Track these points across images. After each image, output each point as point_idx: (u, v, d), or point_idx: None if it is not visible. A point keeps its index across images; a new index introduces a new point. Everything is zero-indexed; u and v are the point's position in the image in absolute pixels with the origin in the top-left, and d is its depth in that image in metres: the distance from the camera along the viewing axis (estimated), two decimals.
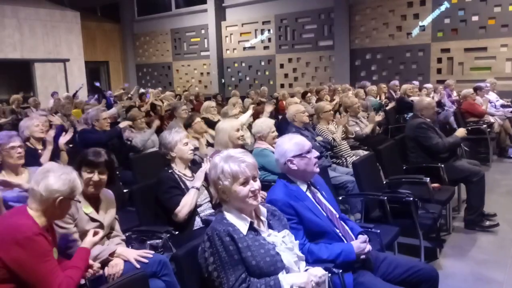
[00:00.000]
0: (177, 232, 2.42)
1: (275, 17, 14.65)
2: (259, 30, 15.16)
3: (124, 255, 2.05)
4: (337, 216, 2.14)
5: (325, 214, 2.08)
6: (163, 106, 7.40)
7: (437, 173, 3.78)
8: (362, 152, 4.48)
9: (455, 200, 4.06)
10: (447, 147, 3.82)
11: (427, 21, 11.75)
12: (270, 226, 1.79)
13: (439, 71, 11.76)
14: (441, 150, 3.81)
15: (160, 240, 2.35)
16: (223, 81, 16.21)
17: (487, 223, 3.74)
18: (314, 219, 2.02)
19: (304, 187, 2.14)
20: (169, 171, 2.73)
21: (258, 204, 1.74)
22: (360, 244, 1.99)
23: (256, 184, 1.73)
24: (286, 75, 14.71)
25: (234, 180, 1.70)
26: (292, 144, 2.17)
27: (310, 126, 4.44)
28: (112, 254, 2.05)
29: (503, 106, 7.88)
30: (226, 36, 16.11)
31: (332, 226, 2.05)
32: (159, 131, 5.14)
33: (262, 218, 1.78)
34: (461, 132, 4.02)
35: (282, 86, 14.64)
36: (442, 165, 3.77)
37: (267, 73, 15.20)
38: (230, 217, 1.71)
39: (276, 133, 3.55)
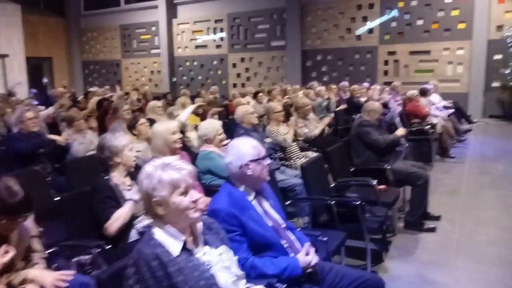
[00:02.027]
0: (109, 246, 2.21)
1: (228, 16, 14.51)
2: (212, 29, 14.96)
3: (39, 279, 1.77)
4: (284, 226, 2.04)
5: (271, 225, 1.97)
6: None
7: (384, 175, 3.81)
8: (311, 154, 4.45)
9: (401, 200, 4.11)
10: (387, 143, 3.93)
11: (374, 23, 12.07)
12: (206, 242, 1.62)
13: (386, 73, 12.14)
14: (381, 146, 3.91)
15: (89, 256, 2.14)
16: (174, 80, 15.84)
17: (426, 226, 3.82)
18: (259, 231, 1.90)
19: (251, 195, 2.02)
20: (106, 177, 2.50)
21: (198, 217, 1.56)
22: (306, 257, 1.90)
23: (197, 194, 1.56)
24: (238, 75, 14.62)
25: (174, 189, 1.50)
26: (250, 147, 2.04)
27: (260, 127, 4.35)
28: (23, 282, 1.75)
29: (445, 107, 8.22)
30: (178, 34, 15.76)
31: (278, 238, 1.95)
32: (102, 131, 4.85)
33: (198, 233, 1.61)
34: (401, 131, 4.14)
35: (234, 85, 14.53)
36: (388, 167, 3.81)
37: (219, 72, 15.02)
38: (160, 235, 1.52)
39: (223, 136, 3.42)
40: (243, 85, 14.30)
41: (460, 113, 8.61)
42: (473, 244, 3.57)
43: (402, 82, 11.22)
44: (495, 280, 3.01)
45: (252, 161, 1.98)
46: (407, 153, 6.63)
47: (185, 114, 4.47)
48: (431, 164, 6.22)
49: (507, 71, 9.84)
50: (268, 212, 2.01)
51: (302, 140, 4.79)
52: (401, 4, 11.77)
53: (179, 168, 1.53)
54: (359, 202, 2.81)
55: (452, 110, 7.82)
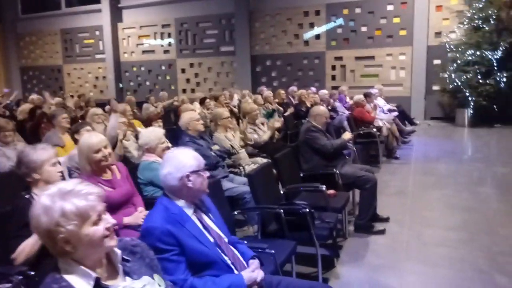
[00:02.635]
0: (33, 273, 1.95)
1: (175, 21, 14.22)
2: (159, 33, 14.59)
3: None
4: (226, 240, 1.90)
5: (212, 240, 1.82)
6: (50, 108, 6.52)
7: (333, 179, 3.78)
8: (260, 160, 4.35)
9: (350, 203, 4.10)
10: (335, 148, 3.92)
11: (321, 29, 12.30)
12: (126, 273, 1.38)
13: (333, 77, 12.38)
14: (328, 151, 3.88)
15: (10, 285, 1.88)
16: (120, 85, 15.27)
17: (375, 228, 3.83)
18: (199, 248, 1.74)
19: (190, 210, 1.86)
20: (27, 196, 2.22)
21: (116, 243, 1.33)
22: (251, 273, 1.77)
23: (110, 219, 1.33)
24: (188, 80, 14.35)
25: (84, 220, 1.26)
26: (191, 157, 1.89)
27: (206, 134, 4.19)
28: None
29: (390, 110, 8.46)
30: (123, 39, 15.24)
31: (220, 254, 1.80)
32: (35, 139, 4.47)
33: (116, 263, 1.37)
34: (347, 135, 4.16)
35: (184, 91, 14.25)
36: (337, 171, 3.79)
37: (168, 78, 14.68)
38: (69, 277, 1.25)
39: (166, 145, 3.22)
40: (192, 90, 14.06)
41: (403, 116, 8.90)
42: (422, 245, 3.61)
43: (349, 87, 11.51)
44: (444, 282, 3.03)
45: (192, 172, 1.83)
46: (356, 156, 6.76)
47: (111, 126, 4.12)
48: (379, 166, 6.35)
49: (446, 75, 10.31)
50: (209, 226, 1.86)
51: (252, 146, 4.68)
52: (346, 12, 12.08)
53: (84, 194, 1.28)
54: (308, 209, 2.73)
55: (396, 113, 8.05)
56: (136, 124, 5.10)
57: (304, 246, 2.91)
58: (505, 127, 9.60)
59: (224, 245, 1.85)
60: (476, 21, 9.93)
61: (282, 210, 2.73)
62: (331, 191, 3.60)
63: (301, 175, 3.87)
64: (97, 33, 15.49)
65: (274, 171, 3.52)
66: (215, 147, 3.88)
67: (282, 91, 8.70)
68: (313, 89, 9.75)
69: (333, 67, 12.38)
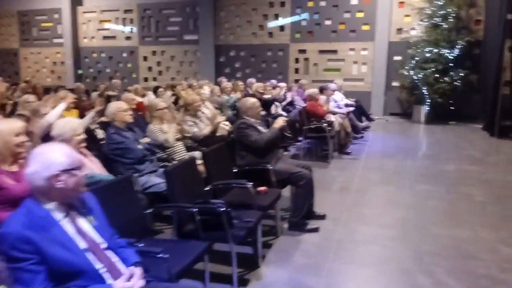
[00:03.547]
0: None
1: (138, 6, 13.79)
2: (121, 19, 14.12)
3: None
4: (105, 246, 1.74)
5: (85, 247, 1.66)
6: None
7: (266, 176, 3.67)
8: (198, 154, 4.18)
9: (287, 201, 4.01)
10: (266, 141, 3.77)
11: (286, 21, 12.18)
12: None
13: (297, 70, 12.31)
14: (261, 146, 3.76)
15: None
16: (80, 72, 14.71)
17: (309, 226, 3.76)
18: (64, 256, 1.57)
19: (61, 213, 1.68)
20: None
21: None
22: (124, 283, 1.62)
23: None
24: (150, 68, 13.97)
25: None
26: (61, 154, 1.69)
27: (136, 126, 3.99)
28: None
29: (347, 105, 8.45)
30: (83, 23, 14.67)
31: (91, 262, 1.64)
32: None
33: None
34: (278, 122, 3.94)
35: (146, 79, 13.89)
36: (271, 167, 3.68)
37: (129, 65, 14.24)
38: None
39: (82, 137, 3.02)
40: (154, 79, 13.73)
41: (361, 111, 8.92)
42: (352, 244, 3.56)
43: (312, 80, 11.53)
44: (366, 283, 2.99)
45: (63, 171, 1.65)
46: (305, 151, 6.71)
47: (54, 113, 3.95)
48: (329, 161, 6.31)
49: (405, 72, 10.40)
50: (83, 231, 1.69)
51: (191, 139, 4.51)
52: (310, 4, 12.00)
53: None
54: (224, 208, 2.60)
55: (351, 108, 8.04)
56: (73, 114, 4.85)
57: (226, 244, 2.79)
58: (459, 124, 9.80)
59: (99, 252, 1.69)
60: (436, 19, 10.02)
61: (196, 209, 2.59)
62: (262, 188, 3.49)
63: (235, 171, 3.74)
64: (56, 16, 14.85)
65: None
66: (145, 140, 3.70)
67: (241, 83, 8.55)
68: (274, 81, 9.64)
69: (297, 60, 12.31)
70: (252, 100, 4.13)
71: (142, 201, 3.02)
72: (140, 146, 3.55)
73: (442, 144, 7.86)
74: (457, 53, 9.86)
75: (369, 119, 9.10)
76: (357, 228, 3.89)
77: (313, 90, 7.12)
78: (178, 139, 4.18)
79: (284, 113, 7.49)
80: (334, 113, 7.08)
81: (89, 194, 1.86)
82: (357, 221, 4.05)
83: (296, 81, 11.14)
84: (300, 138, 6.49)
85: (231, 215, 2.68)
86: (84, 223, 1.73)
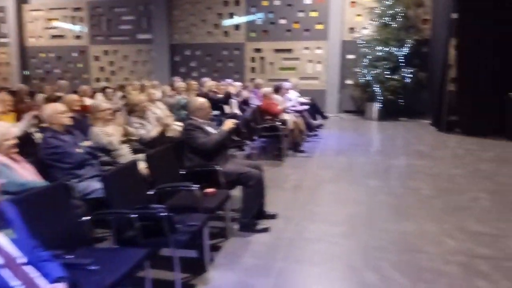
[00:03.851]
0: None
1: (88, 4, 13.29)
2: (69, 17, 13.56)
3: None
4: (23, 261, 1.60)
5: (0, 263, 1.52)
6: None
7: (215, 177, 3.60)
8: (143, 156, 4.04)
9: (239, 201, 3.95)
10: (215, 144, 3.70)
11: (241, 20, 12.14)
12: None
13: (253, 69, 12.30)
14: (208, 149, 3.68)
15: None
16: (26, 73, 14.00)
17: (259, 227, 3.72)
18: None
19: None
20: None
21: None
22: None
23: None
24: (102, 69, 13.51)
25: None
26: None
27: (78, 129, 3.79)
28: None
29: (301, 103, 8.52)
30: (30, 22, 13.96)
31: (6, 280, 1.51)
32: None
33: None
34: (227, 124, 3.89)
35: (98, 80, 13.40)
36: (219, 168, 3.61)
37: (80, 65, 13.71)
38: None
39: (13, 141, 2.82)
40: (107, 79, 13.29)
41: (315, 109, 9.02)
42: (302, 242, 3.56)
43: (268, 79, 11.55)
44: (314, 281, 2.98)
45: None
46: (260, 150, 6.69)
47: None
48: (283, 160, 6.32)
49: (358, 70, 10.63)
50: None
51: (138, 142, 4.36)
52: (265, 3, 12.01)
53: None
54: (165, 213, 2.51)
55: (306, 107, 8.11)
56: (9, 117, 4.57)
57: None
58: (409, 120, 10.14)
59: (15, 268, 1.56)
60: (386, 18, 10.31)
61: (136, 215, 2.48)
62: (210, 190, 3.42)
63: (183, 172, 3.64)
64: (0, 14, 14.04)
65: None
66: (86, 143, 3.52)
67: (194, 82, 8.39)
68: (229, 80, 9.56)
69: (253, 59, 12.30)
70: (201, 100, 4.04)
71: (80, 208, 2.87)
72: (79, 150, 3.38)
73: (392, 140, 8.09)
74: (406, 51, 10.20)
75: (323, 117, 9.23)
76: (308, 226, 3.89)
77: (267, 89, 7.12)
78: (123, 142, 4.01)
79: (239, 112, 7.44)
80: (287, 112, 7.10)
81: (8, 204, 1.72)
82: (308, 219, 4.06)
83: (252, 80, 11.12)
84: (254, 137, 6.44)
85: (174, 220, 2.58)
86: (0, 237, 1.58)
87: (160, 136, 4.57)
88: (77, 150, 3.35)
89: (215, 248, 3.40)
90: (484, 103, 7.89)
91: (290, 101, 8.04)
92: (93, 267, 1.87)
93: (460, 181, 5.32)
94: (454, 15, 8.23)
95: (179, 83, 7.79)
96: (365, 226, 3.88)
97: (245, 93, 8.36)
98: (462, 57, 8.21)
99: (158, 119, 4.84)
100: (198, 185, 3.15)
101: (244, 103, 8.26)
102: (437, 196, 4.74)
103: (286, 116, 6.77)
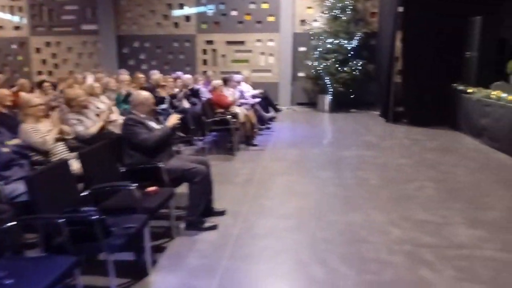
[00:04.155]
0: None
1: None
2: (7, 7, 12.64)
3: None
4: None
5: None
6: None
7: (158, 174, 3.43)
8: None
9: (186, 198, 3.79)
10: (157, 141, 3.53)
11: (191, 10, 11.85)
12: None
13: (205, 62, 12.06)
14: (150, 146, 3.49)
15: None
16: None
17: (207, 224, 3.60)
18: None
19: None
20: None
21: None
22: None
23: None
24: (44, 61, 12.74)
25: None
26: None
27: (4, 126, 3.48)
28: None
29: (254, 96, 8.43)
30: None
31: None
32: None
33: None
34: (172, 120, 3.72)
35: (39, 73, 12.64)
36: (162, 165, 3.44)
37: (20, 58, 12.85)
38: None
39: None
40: (50, 73, 12.56)
41: (267, 102, 8.97)
42: (250, 238, 3.47)
43: (221, 72, 11.37)
44: (261, 278, 2.91)
45: None
46: (211, 144, 6.56)
47: None
48: (234, 154, 6.21)
49: (310, 63, 10.68)
50: None
51: (76, 139, 4.08)
52: None
53: None
54: (97, 216, 2.32)
55: (257, 100, 8.03)
56: None
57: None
58: (359, 112, 10.34)
59: None
60: (335, 11, 10.40)
61: (63, 220, 2.27)
62: (152, 188, 3.24)
63: (123, 170, 3.44)
64: None
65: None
66: (13, 142, 3.23)
67: (141, 75, 8.06)
68: (179, 73, 9.28)
69: (205, 51, 12.05)
70: (145, 94, 3.82)
71: (6, 213, 2.61)
72: (5, 149, 3.09)
73: (343, 131, 8.19)
74: (355, 44, 10.36)
75: (276, 109, 9.20)
76: (257, 221, 3.81)
77: (217, 81, 6.96)
78: (58, 140, 3.73)
79: (188, 106, 7.24)
80: (239, 105, 6.99)
81: None
82: (257, 214, 3.98)
83: (204, 72, 10.90)
84: (205, 132, 6.29)
85: (107, 223, 2.40)
86: None
87: (101, 133, 4.31)
88: (3, 149, 3.06)
89: (159, 249, 3.25)
90: (429, 94, 8.16)
91: (242, 94, 7.92)
92: (7, 281, 1.67)
93: (406, 170, 5.44)
94: (400, 9, 8.42)
95: (123, 76, 7.43)
96: (314, 219, 3.85)
97: (196, 86, 8.14)
98: (407, 50, 8.44)
99: (102, 114, 4.56)
100: (137, 184, 2.97)
101: (194, 96, 8.07)
102: (384, 186, 4.81)
103: (237, 109, 6.65)
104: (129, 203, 2.92)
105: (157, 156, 3.51)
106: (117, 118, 5.29)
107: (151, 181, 3.38)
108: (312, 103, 11.17)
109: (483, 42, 7.36)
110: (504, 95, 6.25)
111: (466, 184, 4.84)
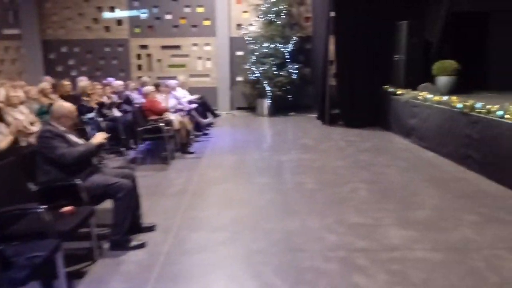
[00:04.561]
0: None
1: None
2: None
3: None
4: None
5: None
6: None
7: (76, 192, 3.13)
8: None
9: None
10: (77, 157, 3.22)
11: (123, 14, 11.38)
12: None
13: (140, 67, 11.62)
14: (69, 162, 3.18)
15: None
16: None
17: (134, 243, 3.35)
18: None
19: None
20: None
21: None
22: None
23: None
24: None
25: None
26: None
27: None
28: None
29: (190, 102, 8.20)
30: None
31: None
32: None
33: None
34: (98, 138, 3.46)
35: None
36: (80, 182, 3.14)
37: None
38: None
39: None
40: None
41: (205, 108, 8.77)
42: (181, 255, 3.27)
43: (157, 77, 10.99)
44: None
45: None
46: (145, 153, 6.25)
47: None
48: (168, 163, 5.96)
49: (248, 67, 10.62)
50: None
51: None
52: None
53: None
54: None
55: (193, 105, 7.81)
56: None
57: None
58: (297, 115, 10.44)
59: None
60: (270, 15, 10.44)
61: None
62: (67, 209, 2.94)
63: (36, 189, 3.10)
64: None
65: None
66: None
67: (67, 82, 7.53)
68: (111, 79, 8.82)
69: (139, 56, 11.61)
70: (69, 107, 3.48)
71: None
72: None
73: (281, 135, 8.20)
74: (291, 48, 10.46)
75: (214, 115, 9.03)
76: (189, 236, 3.61)
77: (149, 88, 6.67)
78: None
79: (119, 114, 6.86)
80: (173, 112, 6.74)
81: None
82: (190, 227, 3.78)
83: (139, 78, 10.48)
84: (136, 142, 5.99)
85: (7, 253, 2.10)
86: None
87: (13, 147, 3.90)
88: None
89: (78, 275, 2.95)
90: (362, 96, 8.40)
91: (177, 100, 7.66)
92: None
93: (342, 172, 5.50)
94: (332, 13, 8.59)
95: (44, 83, 6.87)
96: (249, 229, 3.73)
97: (128, 93, 7.77)
98: (340, 54, 8.63)
99: (16, 126, 4.13)
100: (50, 205, 2.66)
101: (126, 103, 7.69)
102: (320, 190, 4.81)
103: (171, 116, 6.39)
104: (37, 227, 2.60)
105: (77, 173, 3.20)
106: (38, 129, 4.86)
107: (70, 200, 3.08)
108: (251, 108, 11.12)
109: (410, 45, 7.69)
110: (429, 96, 6.54)
111: (397, 184, 4.97)
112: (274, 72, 10.18)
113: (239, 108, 11.36)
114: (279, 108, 10.48)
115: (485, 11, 8.86)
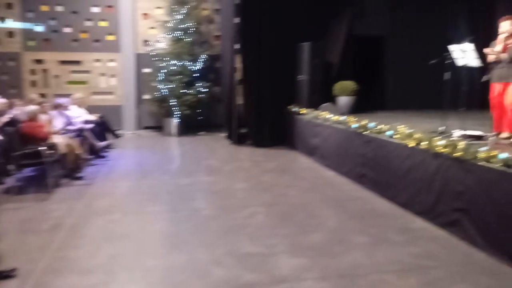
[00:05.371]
0: None
1: None
2: None
3: None
4: None
5: None
6: None
7: None
8: None
9: None
10: None
11: (15, 25, 10.35)
12: None
13: (34, 83, 10.60)
14: None
15: None
16: None
17: None
18: None
19: None
20: None
21: None
22: None
23: None
24: None
25: None
26: None
27: None
28: None
29: (87, 122, 7.53)
30: None
31: None
32: None
33: None
34: None
35: None
36: None
37: None
38: None
39: None
40: None
41: (105, 128, 8.15)
42: None
43: (55, 94, 10.13)
44: None
45: None
46: (25, 181, 5.55)
47: None
48: (49, 191, 5.28)
49: (155, 85, 10.17)
50: None
51: None
52: (45, 8, 10.51)
53: None
54: None
55: (89, 126, 7.17)
56: None
57: None
58: (207, 134, 10.18)
59: None
60: (178, 32, 10.14)
61: None
62: None
63: None
64: None
65: None
66: None
67: None
68: None
69: (33, 71, 10.59)
70: None
71: None
72: None
73: (186, 156, 7.85)
74: (200, 66, 10.22)
75: (115, 135, 8.42)
76: (53, 282, 3.08)
77: (32, 108, 5.94)
78: None
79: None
80: (60, 134, 6.07)
81: None
82: (57, 271, 3.25)
83: (41, 95, 9.50)
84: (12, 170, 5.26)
85: None
86: None
87: None
88: None
89: None
90: (269, 115, 8.37)
91: (68, 120, 6.98)
92: None
93: (242, 196, 5.28)
94: (236, 20, 8.48)
95: None
96: (127, 269, 3.30)
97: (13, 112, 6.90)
98: (246, 73, 8.56)
99: None
100: None
101: (10, 125, 6.81)
102: (216, 216, 4.52)
103: (56, 139, 5.73)
104: None
105: None
106: None
107: None
108: (160, 127, 10.63)
109: (312, 66, 7.84)
110: (329, 116, 6.65)
111: (296, 207, 4.85)
112: (182, 91, 9.84)
113: (146, 128, 10.81)
114: (189, 127, 10.14)
115: (381, 36, 9.43)
